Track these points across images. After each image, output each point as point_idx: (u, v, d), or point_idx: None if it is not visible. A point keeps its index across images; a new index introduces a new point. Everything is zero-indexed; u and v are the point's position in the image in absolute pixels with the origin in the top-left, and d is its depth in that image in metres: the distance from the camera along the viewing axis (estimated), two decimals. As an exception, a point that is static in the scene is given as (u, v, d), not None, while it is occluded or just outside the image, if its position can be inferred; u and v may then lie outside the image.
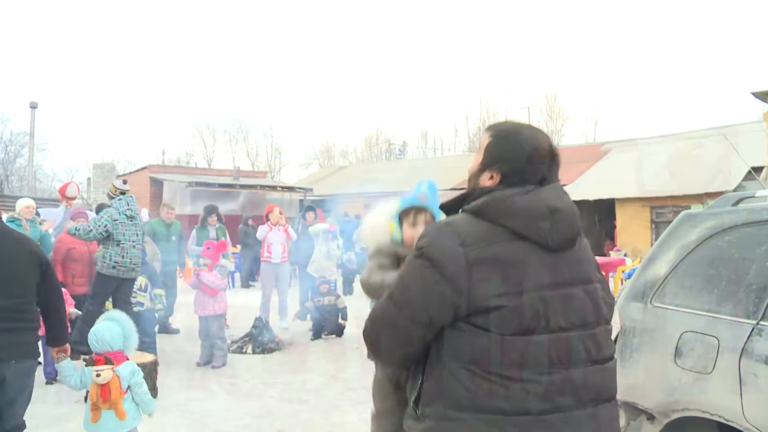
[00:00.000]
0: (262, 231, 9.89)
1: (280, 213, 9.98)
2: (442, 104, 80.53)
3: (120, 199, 6.95)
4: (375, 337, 1.81)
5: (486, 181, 1.82)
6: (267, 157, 56.13)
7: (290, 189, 29.72)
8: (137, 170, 31.31)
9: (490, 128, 1.91)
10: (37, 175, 36.52)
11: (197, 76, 76.62)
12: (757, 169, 14.84)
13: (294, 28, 79.14)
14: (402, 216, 2.48)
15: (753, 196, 3.39)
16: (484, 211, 1.72)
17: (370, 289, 2.36)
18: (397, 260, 2.39)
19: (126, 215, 6.87)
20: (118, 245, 6.77)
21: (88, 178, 30.14)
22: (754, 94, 14.13)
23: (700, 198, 15.48)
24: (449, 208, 1.91)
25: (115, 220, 6.77)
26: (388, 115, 78.82)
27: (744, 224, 3.04)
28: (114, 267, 6.73)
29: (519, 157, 1.77)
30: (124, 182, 7.26)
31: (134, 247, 6.90)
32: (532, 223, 1.68)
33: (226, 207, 20.63)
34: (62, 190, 8.63)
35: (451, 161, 36.80)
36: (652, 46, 64.93)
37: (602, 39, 65.98)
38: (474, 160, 1.89)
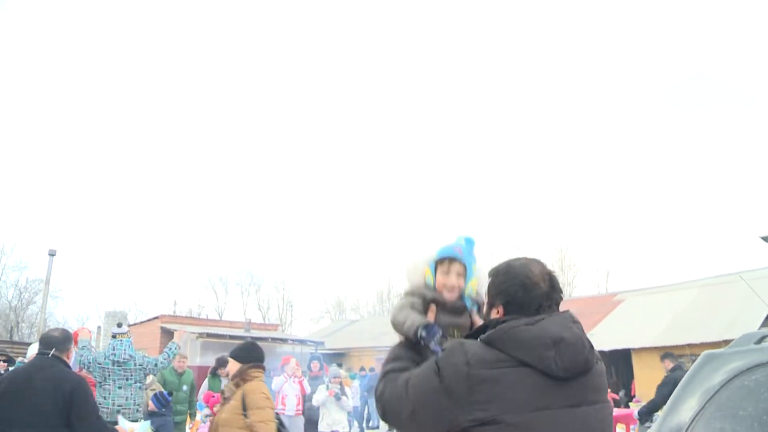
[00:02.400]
0: (277, 382, 9.72)
1: (296, 365, 9.89)
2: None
3: (109, 344, 7.06)
4: (384, 403, 2.06)
5: (495, 315, 2.04)
6: (278, 310, 56.29)
7: (301, 342, 29.48)
8: (148, 320, 31.26)
9: (489, 272, 2.16)
10: (47, 322, 36.46)
11: (211, 229, 78.62)
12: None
13: (307, 182, 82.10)
14: (437, 263, 2.64)
15: (775, 334, 3.34)
16: (492, 341, 1.88)
17: (395, 324, 2.54)
18: (425, 302, 2.58)
19: (111, 360, 6.90)
20: (100, 386, 6.80)
21: (99, 326, 30.04)
22: (764, 238, 14.28)
23: (719, 346, 15.16)
24: (470, 337, 2.06)
25: (99, 364, 6.86)
26: (399, 270, 79.49)
27: (770, 362, 2.98)
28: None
29: (514, 288, 1.98)
30: (119, 325, 7.34)
31: (120, 388, 6.84)
32: (536, 352, 1.81)
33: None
34: (74, 336, 8.59)
35: (463, 312, 36.58)
36: (659, 194, 66.44)
37: (611, 190, 67.75)
38: (486, 301, 2.14)
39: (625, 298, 24.07)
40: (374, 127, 75.28)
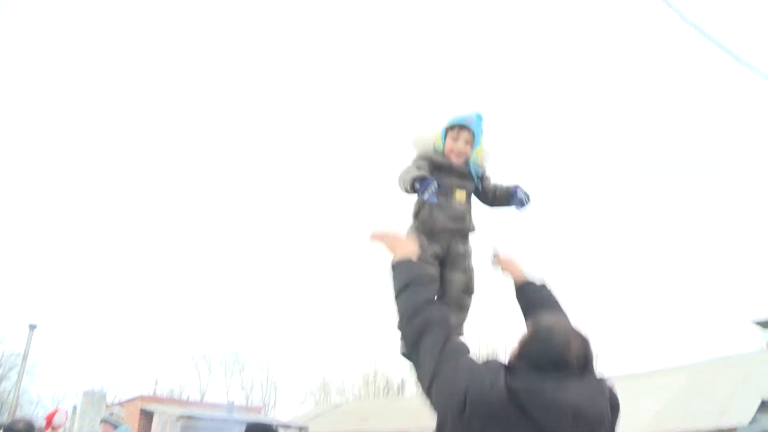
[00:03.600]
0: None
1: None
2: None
3: (126, 430, 6.77)
4: (416, 356, 2.06)
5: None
6: (262, 391, 55.07)
7: (286, 426, 28.85)
8: (128, 400, 30.42)
9: (531, 322, 2.06)
10: (20, 400, 35.32)
11: (195, 306, 77.61)
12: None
13: (294, 260, 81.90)
14: (448, 129, 2.84)
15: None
16: (520, 393, 1.76)
17: (399, 181, 2.75)
18: (431, 166, 2.79)
19: None
20: None
21: (74, 406, 29.10)
22: (756, 323, 14.28)
23: (713, 433, 14.93)
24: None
25: None
26: (386, 352, 79.01)
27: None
28: None
29: (545, 361, 1.84)
30: (121, 407, 7.10)
31: None
32: (553, 423, 1.71)
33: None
34: (49, 418, 8.30)
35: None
36: (648, 276, 66.68)
37: (600, 272, 68.01)
38: (517, 343, 1.98)
39: (612, 384, 23.72)
40: (359, 201, 75.84)
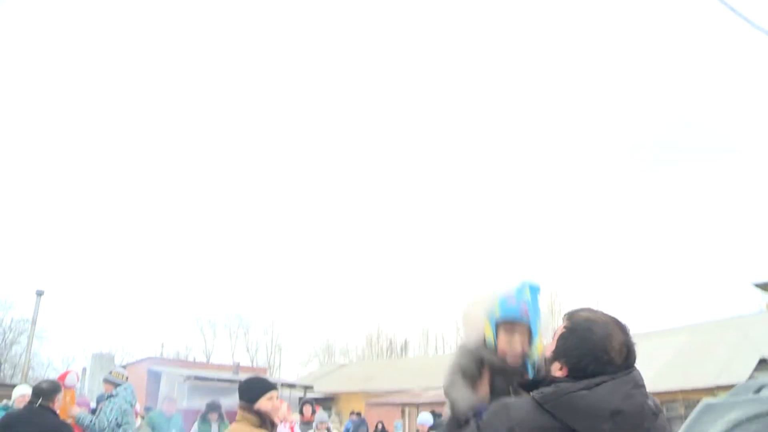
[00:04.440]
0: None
1: (288, 410, 9.71)
2: (444, 302, 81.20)
3: (126, 388, 6.80)
4: None
5: (556, 371, 1.85)
6: (267, 353, 55.76)
7: (290, 386, 29.17)
8: (135, 362, 30.85)
9: (567, 315, 1.94)
10: (31, 363, 35.88)
11: (201, 271, 78.12)
12: (766, 361, 14.62)
13: (297, 225, 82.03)
14: (499, 324, 2.32)
15: (774, 384, 3.33)
16: (548, 401, 1.72)
17: (448, 397, 2.30)
18: (480, 367, 2.30)
19: (131, 404, 6.72)
20: None
21: (84, 368, 29.59)
22: (756, 285, 14.34)
23: (711, 391, 15.11)
24: (524, 389, 1.92)
25: (125, 411, 6.60)
26: (389, 314, 79.56)
27: (769, 413, 2.96)
28: None
29: (586, 356, 1.79)
30: (123, 367, 7.20)
31: None
32: (591, 424, 1.68)
33: (224, 403, 20.15)
34: (61, 379, 8.42)
35: (454, 360, 36.41)
36: (651, 239, 66.73)
37: (603, 235, 68.04)
38: (550, 344, 1.92)
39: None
40: (364, 173, 75.70)
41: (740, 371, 15.39)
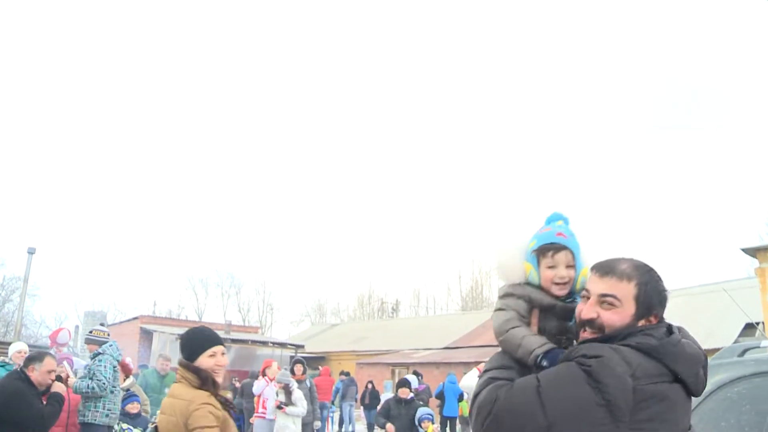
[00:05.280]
0: (258, 386, 9.64)
1: (278, 369, 9.80)
2: (435, 264, 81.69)
3: (111, 345, 6.65)
4: (497, 413, 1.74)
5: (643, 323, 1.86)
6: (259, 312, 56.11)
7: (282, 345, 29.46)
8: (128, 320, 31.02)
9: (628, 276, 1.89)
10: (24, 321, 35.99)
11: (193, 230, 78.09)
12: (752, 325, 14.80)
13: (289, 185, 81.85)
14: (539, 255, 2.16)
15: (758, 347, 3.38)
16: (657, 351, 1.73)
17: (505, 344, 2.07)
18: (531, 306, 2.12)
19: (118, 360, 6.63)
20: (111, 392, 6.38)
21: (77, 326, 29.75)
22: (744, 250, 14.43)
23: (699, 355, 15.36)
24: (604, 341, 1.83)
25: (114, 367, 6.50)
26: (380, 274, 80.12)
27: (753, 375, 3.01)
28: (108, 416, 6.34)
29: (666, 298, 1.92)
30: (102, 324, 7.17)
31: (119, 393, 6.70)
32: (693, 370, 1.77)
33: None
34: (53, 336, 8.51)
35: (445, 320, 36.73)
36: (641, 205, 67.03)
37: (593, 200, 68.19)
38: (613, 312, 1.85)
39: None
40: (354, 132, 75.29)
41: (726, 335, 15.61)
